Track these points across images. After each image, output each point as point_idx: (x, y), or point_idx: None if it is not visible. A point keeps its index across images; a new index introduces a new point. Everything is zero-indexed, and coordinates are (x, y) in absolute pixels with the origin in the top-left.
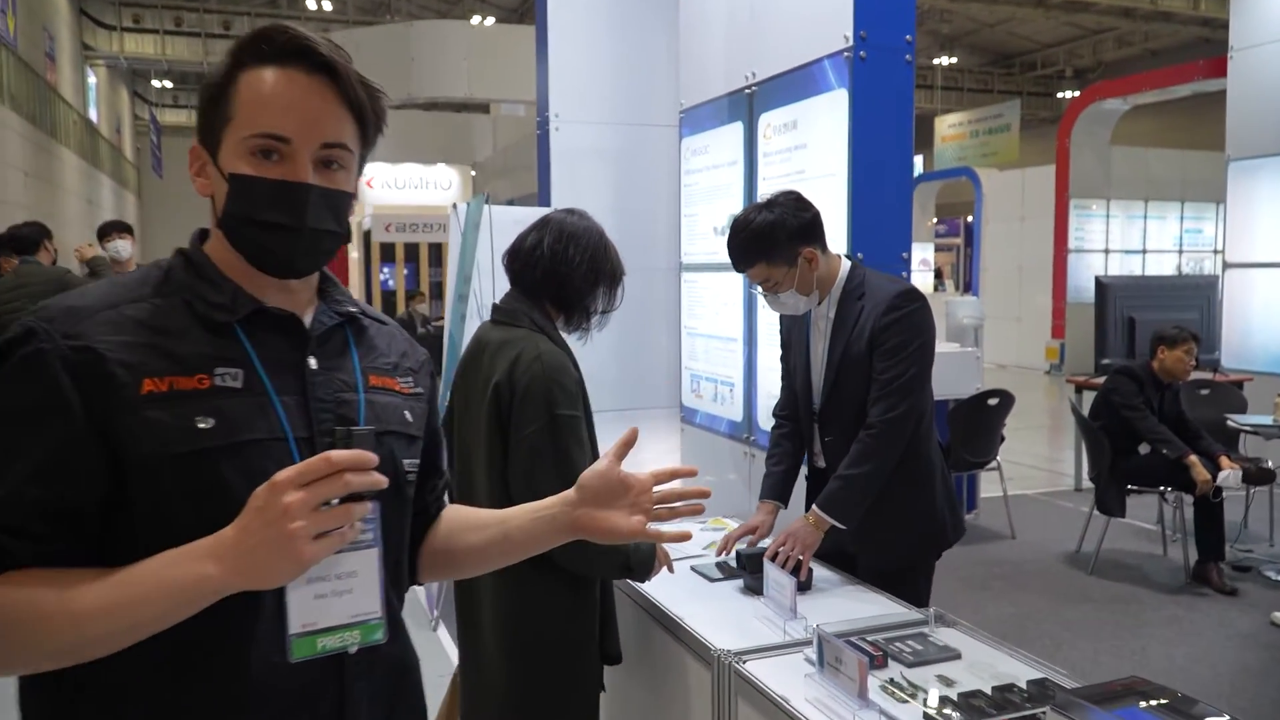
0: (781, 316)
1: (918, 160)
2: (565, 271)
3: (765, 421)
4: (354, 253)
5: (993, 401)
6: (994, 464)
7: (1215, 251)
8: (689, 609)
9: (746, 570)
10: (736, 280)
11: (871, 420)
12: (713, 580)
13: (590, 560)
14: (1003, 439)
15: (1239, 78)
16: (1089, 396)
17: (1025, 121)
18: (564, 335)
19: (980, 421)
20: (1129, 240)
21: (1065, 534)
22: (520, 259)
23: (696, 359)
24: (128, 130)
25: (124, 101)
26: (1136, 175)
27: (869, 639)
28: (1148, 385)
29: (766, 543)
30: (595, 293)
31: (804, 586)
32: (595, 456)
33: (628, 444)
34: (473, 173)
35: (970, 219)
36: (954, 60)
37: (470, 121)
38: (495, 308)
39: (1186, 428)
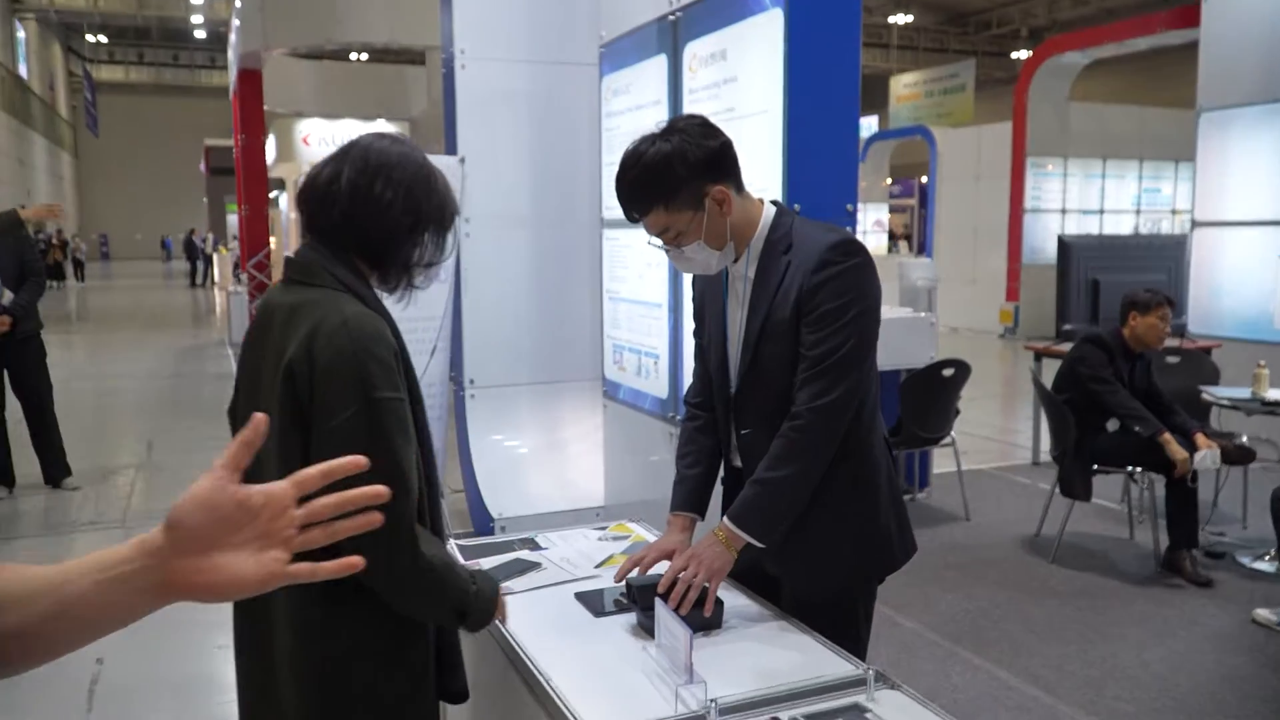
0: (694, 279)
1: (872, 120)
2: (371, 213)
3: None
4: (291, 212)
5: (948, 372)
6: (948, 439)
7: (1173, 212)
8: (559, 655)
9: (638, 605)
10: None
11: (798, 408)
12: (599, 615)
13: (409, 598)
14: (958, 412)
15: (1213, 22)
16: (1050, 366)
17: (980, 82)
18: (380, 295)
19: (934, 394)
20: (1086, 200)
21: (1023, 515)
22: (314, 197)
23: (619, 327)
24: (62, 87)
25: (57, 57)
26: (1095, 133)
27: (785, 717)
28: (1118, 355)
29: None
30: (415, 240)
31: (710, 624)
32: (427, 454)
33: (248, 444)
34: (408, 127)
35: (925, 179)
36: (909, 19)
37: (403, 74)
38: (287, 262)
39: (1159, 402)
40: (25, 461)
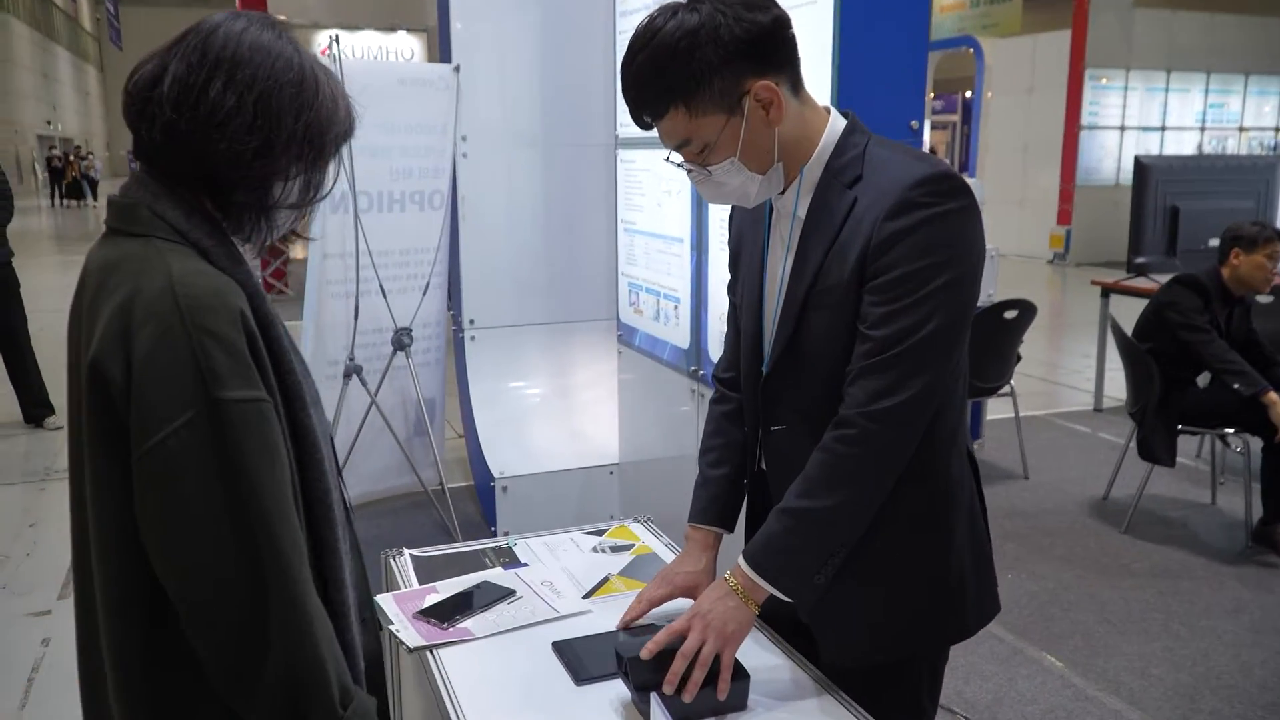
0: (731, 213)
1: None
2: (203, 127)
3: (718, 352)
4: None
5: (1010, 314)
6: (1006, 389)
7: (1240, 129)
8: None
9: (630, 682)
10: None
11: (849, 412)
12: (581, 680)
13: (251, 700)
14: (1019, 358)
15: None
16: (1119, 304)
17: None
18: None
19: (994, 340)
20: (1148, 116)
21: (1086, 473)
22: (134, 106)
23: (635, 263)
24: None
25: None
26: (1159, 42)
27: None
28: (1215, 298)
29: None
30: (271, 170)
31: (728, 707)
32: (313, 473)
33: None
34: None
35: (969, 94)
36: None
37: None
38: (109, 202)
39: (1259, 352)
40: (4, 399)
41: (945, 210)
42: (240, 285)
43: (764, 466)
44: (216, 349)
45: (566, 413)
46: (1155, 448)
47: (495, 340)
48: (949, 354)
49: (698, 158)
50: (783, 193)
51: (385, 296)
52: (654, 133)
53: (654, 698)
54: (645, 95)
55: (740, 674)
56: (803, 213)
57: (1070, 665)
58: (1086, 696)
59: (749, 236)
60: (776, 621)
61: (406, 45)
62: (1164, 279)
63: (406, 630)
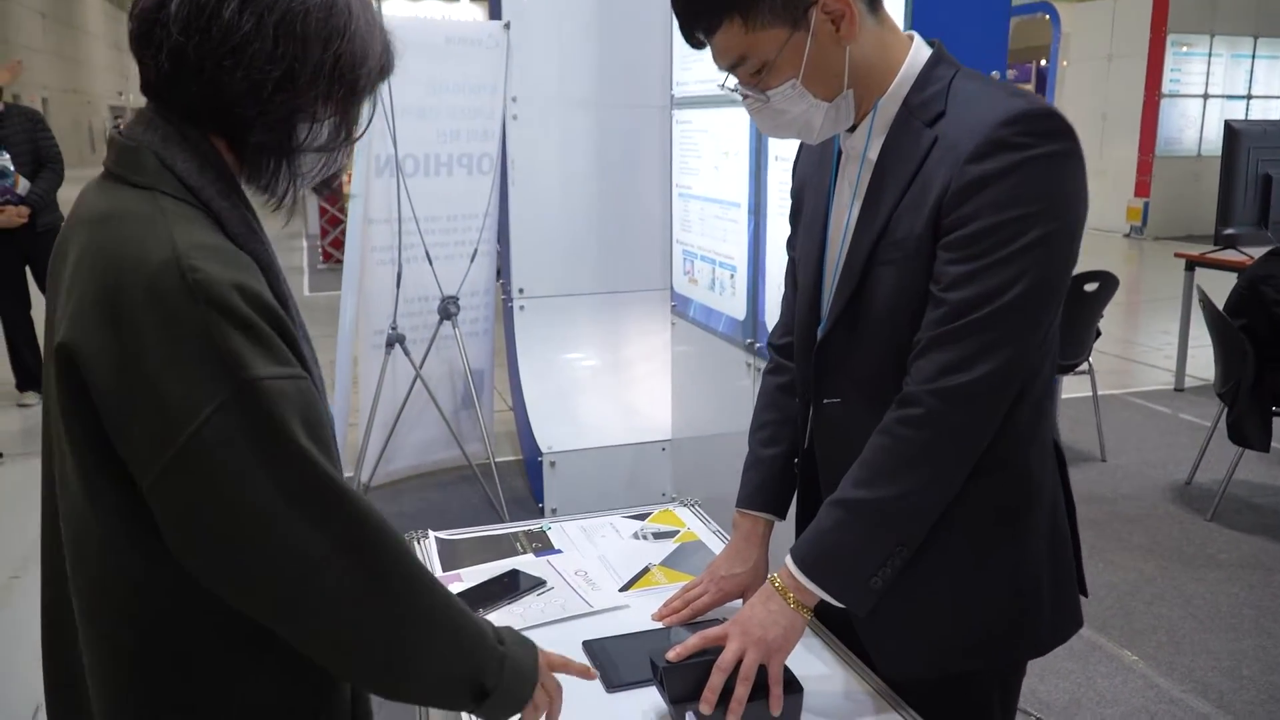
0: (796, 160)
1: None
2: (216, 54)
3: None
4: None
5: (1090, 287)
6: (1084, 366)
7: None
8: None
9: (666, 693)
10: (741, 122)
11: (915, 388)
12: (614, 687)
13: (409, 667)
14: (1098, 334)
15: None
16: (1205, 278)
17: None
18: (252, 201)
19: (1073, 314)
20: (1233, 84)
21: (1167, 456)
22: (140, 32)
23: (690, 230)
24: None
25: None
26: (1247, 6)
27: None
28: None
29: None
30: (296, 105)
31: None
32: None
33: None
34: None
35: (1044, 62)
36: None
37: None
38: (110, 142)
39: None
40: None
41: (1043, 153)
42: (255, 260)
43: (814, 446)
44: (234, 329)
45: (618, 386)
46: (1247, 430)
47: (545, 310)
48: (1037, 324)
49: (754, 80)
50: (852, 130)
51: (431, 264)
52: (710, 89)
53: (689, 717)
54: (696, 4)
55: (792, 686)
56: (874, 155)
57: (1153, 664)
58: (1171, 699)
59: (813, 183)
60: (827, 621)
61: (469, 14)
62: (1254, 251)
63: None
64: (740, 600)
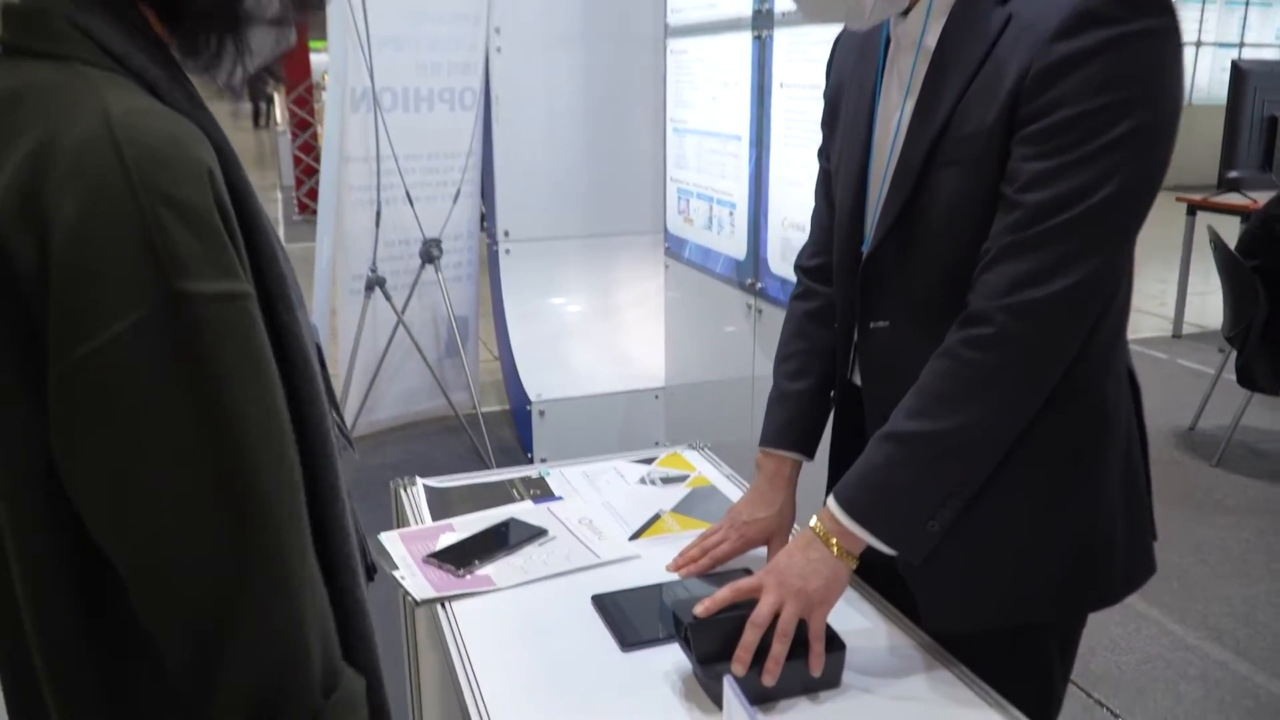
0: (830, 54)
1: None
2: None
3: (779, 262)
4: None
5: None
6: None
7: None
8: None
9: (693, 653)
10: (742, 48)
11: (983, 304)
12: (629, 645)
13: (213, 689)
14: None
15: None
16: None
17: None
18: (194, 81)
19: None
20: (1225, 33)
21: (1168, 401)
22: None
23: (685, 167)
24: None
25: None
26: None
27: None
28: None
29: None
30: None
31: (821, 684)
32: (311, 393)
33: None
34: None
35: None
36: None
37: None
38: (4, 11)
39: None
40: None
41: (1140, 29)
42: (202, 129)
43: (857, 378)
44: (178, 222)
45: (608, 332)
46: (1257, 374)
47: (532, 254)
48: (1126, 232)
49: None
50: (906, 13)
51: (412, 204)
52: (709, 14)
53: (727, 681)
54: None
55: (834, 643)
56: (933, 41)
57: (1166, 611)
58: (1186, 645)
59: (853, 80)
60: (867, 572)
61: None
62: (1258, 195)
63: (414, 578)
64: (764, 549)
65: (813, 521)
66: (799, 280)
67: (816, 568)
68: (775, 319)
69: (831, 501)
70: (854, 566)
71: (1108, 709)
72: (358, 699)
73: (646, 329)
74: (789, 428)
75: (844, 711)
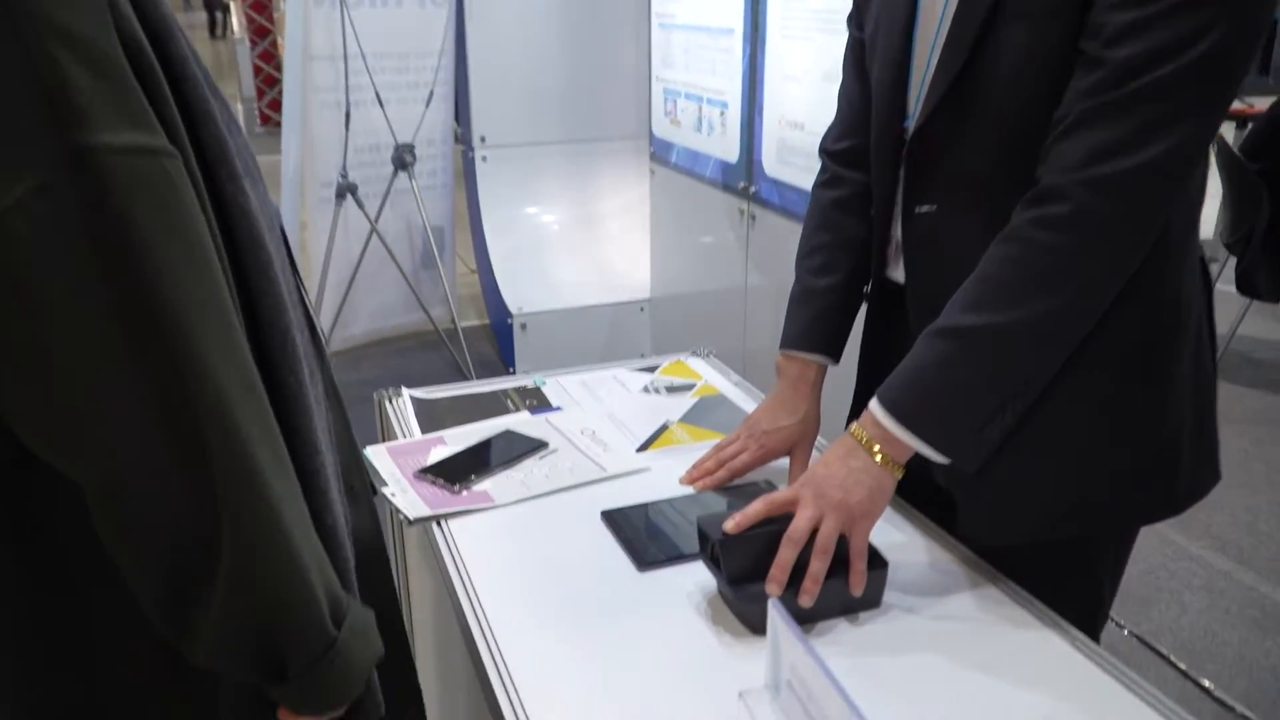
0: None
1: None
2: None
3: (775, 164)
4: None
5: None
6: None
7: None
8: (570, 670)
9: (721, 572)
10: None
11: (1057, 178)
12: (646, 565)
13: (199, 594)
14: None
15: None
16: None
17: None
18: None
19: None
20: None
21: None
22: None
23: (672, 65)
24: None
25: None
26: None
27: None
28: None
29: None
30: None
31: (861, 604)
32: (264, 280)
33: None
34: None
35: None
36: None
37: None
38: None
39: None
40: None
41: None
42: None
43: (897, 272)
44: (75, 63)
45: (592, 243)
46: (1258, 280)
47: (510, 161)
48: (1226, 93)
49: None
50: None
51: (383, 107)
52: None
53: (772, 604)
54: None
55: (874, 561)
56: None
57: (1168, 521)
58: (1190, 555)
59: None
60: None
61: None
62: (1256, 101)
63: (405, 495)
64: (786, 460)
65: (853, 427)
66: (824, 166)
67: (859, 478)
68: (770, 225)
69: (875, 405)
70: (899, 476)
71: (1113, 620)
72: (370, 627)
73: (631, 238)
74: (814, 328)
75: (887, 634)
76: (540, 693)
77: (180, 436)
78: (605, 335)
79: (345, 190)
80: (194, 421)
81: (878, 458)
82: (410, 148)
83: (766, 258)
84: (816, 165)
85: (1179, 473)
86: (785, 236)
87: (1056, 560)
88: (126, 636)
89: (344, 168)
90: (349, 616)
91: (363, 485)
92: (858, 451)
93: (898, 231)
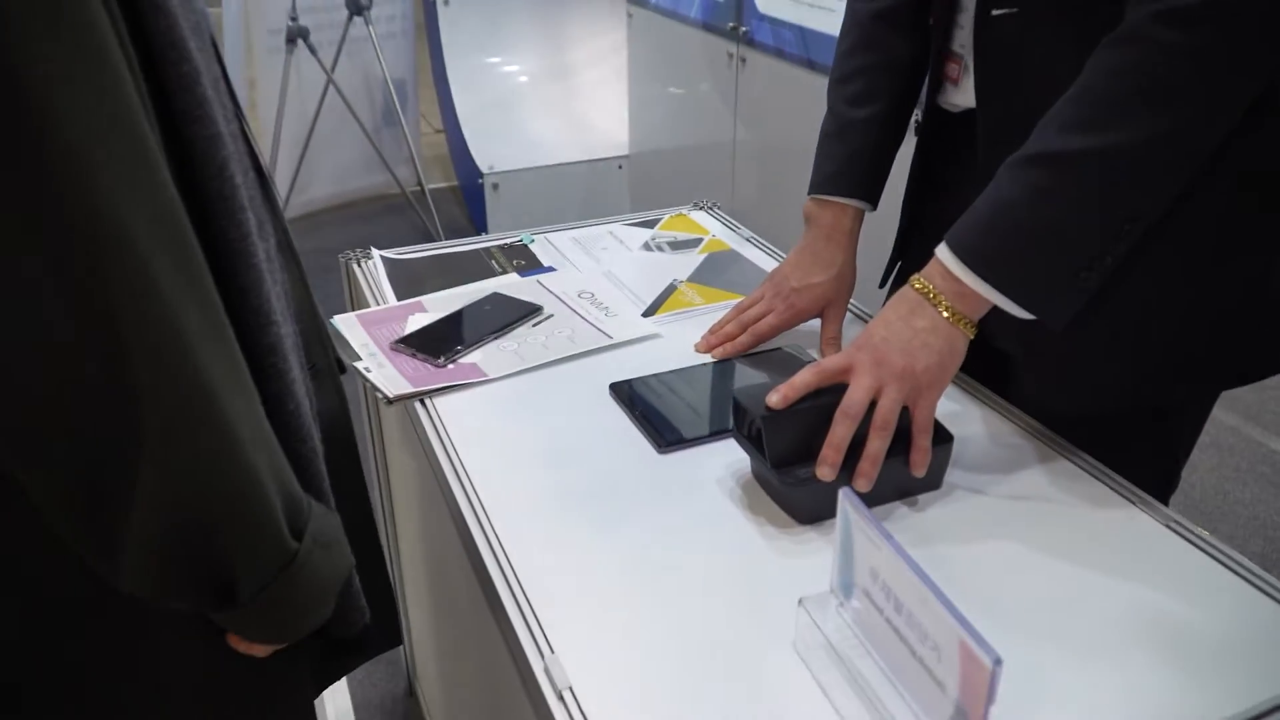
0: None
1: None
2: None
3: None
4: None
5: None
6: None
7: None
8: (588, 563)
9: (764, 453)
10: None
11: None
12: (666, 446)
13: (120, 497)
14: None
15: None
16: None
17: None
18: None
19: None
20: None
21: None
22: None
23: None
24: None
25: None
26: None
27: None
28: None
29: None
30: None
31: (922, 486)
32: (195, 107)
33: None
34: None
35: None
36: None
37: None
38: None
39: None
40: None
41: None
42: None
43: (959, 95)
44: None
45: (565, 96)
46: None
47: (474, 5)
48: None
49: None
50: None
51: None
52: None
53: (844, 494)
54: None
55: (938, 435)
56: None
57: None
58: None
59: None
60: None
61: None
62: None
63: (382, 370)
64: (818, 321)
65: (915, 280)
66: None
67: (925, 340)
68: (762, 69)
69: (945, 252)
70: (972, 337)
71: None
72: (337, 537)
73: (608, 90)
74: (851, 167)
75: (953, 519)
76: (550, 594)
77: (71, 285)
78: (582, 195)
79: (296, 35)
80: (89, 267)
81: (947, 314)
82: None
83: (758, 107)
84: None
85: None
86: (781, 83)
87: (1134, 430)
88: (38, 557)
89: (293, 9)
90: (311, 524)
91: (327, 362)
92: (923, 308)
93: (965, 42)
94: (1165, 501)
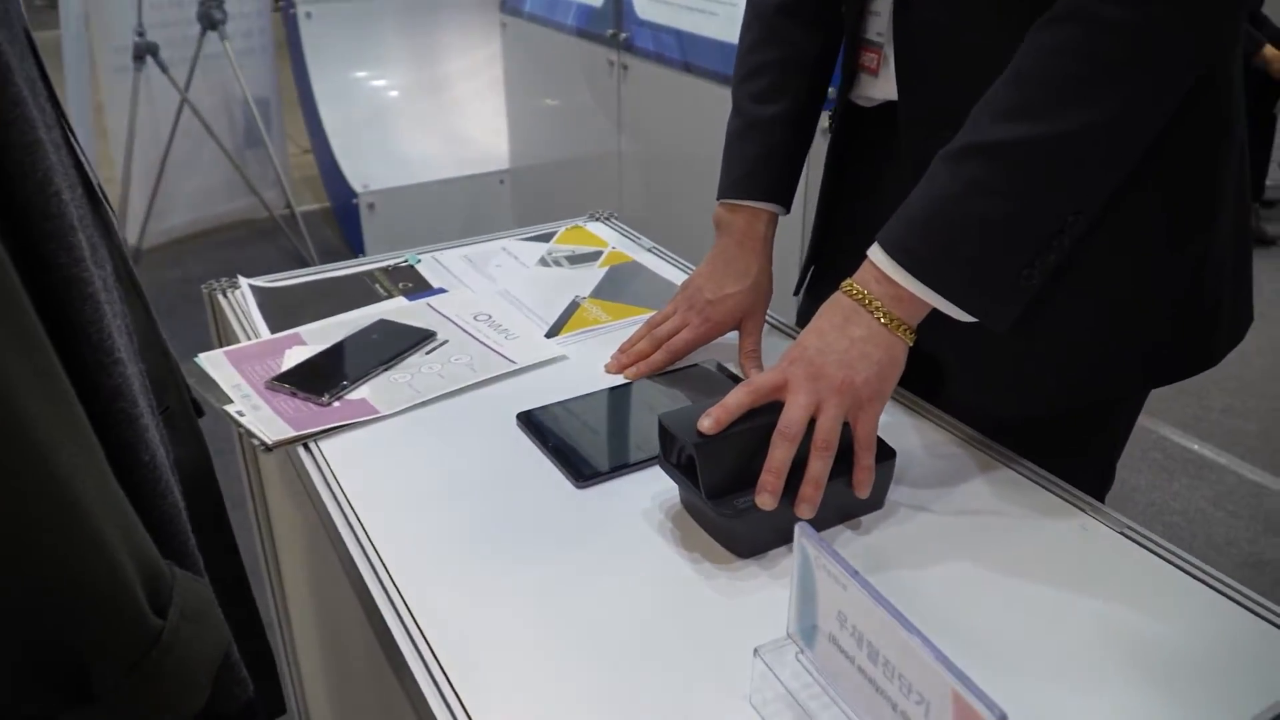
0: None
1: None
2: None
3: (647, 3)
4: None
5: None
6: None
7: None
8: (499, 616)
9: (697, 480)
10: None
11: None
12: (586, 480)
13: None
14: None
15: None
16: None
17: None
18: None
19: None
20: None
21: None
22: None
23: None
24: None
25: None
26: None
27: None
28: None
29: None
30: None
31: (864, 508)
32: (22, 131)
33: None
34: None
35: None
36: None
37: None
38: None
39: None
40: None
41: None
42: None
43: (875, 88)
44: None
45: (440, 110)
46: None
47: (338, 18)
48: None
49: None
50: None
51: None
52: None
53: (801, 528)
54: None
55: (882, 452)
56: None
57: None
58: None
59: None
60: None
61: None
62: None
63: (258, 412)
64: (736, 334)
65: (847, 285)
66: None
67: (863, 350)
68: (645, 76)
69: (878, 254)
70: (911, 343)
71: None
72: (208, 606)
73: (485, 103)
74: (761, 168)
75: (901, 540)
76: (465, 658)
77: None
78: (463, 213)
79: (144, 51)
80: None
81: (884, 321)
82: (219, 3)
83: (643, 115)
84: (700, 2)
85: (1219, 321)
86: (664, 90)
87: (1070, 429)
88: None
89: (140, 23)
90: (177, 596)
91: (182, 404)
92: (858, 315)
93: (882, 29)
94: (1102, 500)
